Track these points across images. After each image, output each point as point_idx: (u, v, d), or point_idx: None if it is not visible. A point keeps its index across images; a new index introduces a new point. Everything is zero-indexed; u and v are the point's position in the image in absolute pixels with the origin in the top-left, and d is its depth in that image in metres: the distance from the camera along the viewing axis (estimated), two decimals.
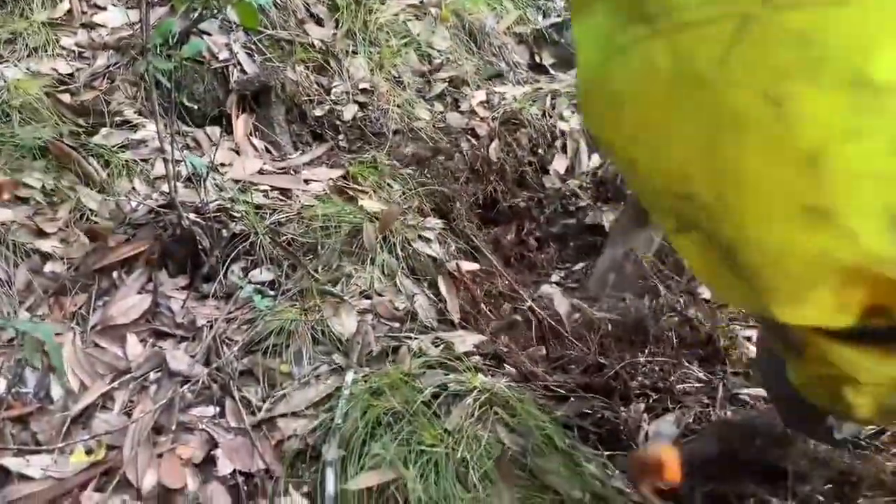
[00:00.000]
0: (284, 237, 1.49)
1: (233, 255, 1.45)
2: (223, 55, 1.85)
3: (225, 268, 1.43)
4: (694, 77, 0.45)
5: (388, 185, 1.74)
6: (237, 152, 1.76)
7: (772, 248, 0.48)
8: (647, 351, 1.32)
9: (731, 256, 0.51)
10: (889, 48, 0.41)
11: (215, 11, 1.76)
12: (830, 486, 1.09)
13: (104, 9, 1.95)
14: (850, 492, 1.06)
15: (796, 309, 0.52)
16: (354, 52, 2.01)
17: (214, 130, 1.78)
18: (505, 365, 1.30)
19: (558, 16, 2.38)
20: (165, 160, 1.38)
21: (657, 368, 1.28)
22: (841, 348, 0.57)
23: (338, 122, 1.89)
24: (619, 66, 0.50)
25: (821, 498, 1.04)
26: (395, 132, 1.92)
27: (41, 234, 1.45)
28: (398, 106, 1.96)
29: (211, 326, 1.33)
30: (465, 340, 1.33)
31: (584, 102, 0.57)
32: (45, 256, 1.42)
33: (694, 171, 0.48)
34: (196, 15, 1.78)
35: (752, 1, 0.43)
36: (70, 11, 1.94)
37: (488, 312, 1.47)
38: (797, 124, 0.43)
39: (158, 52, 1.73)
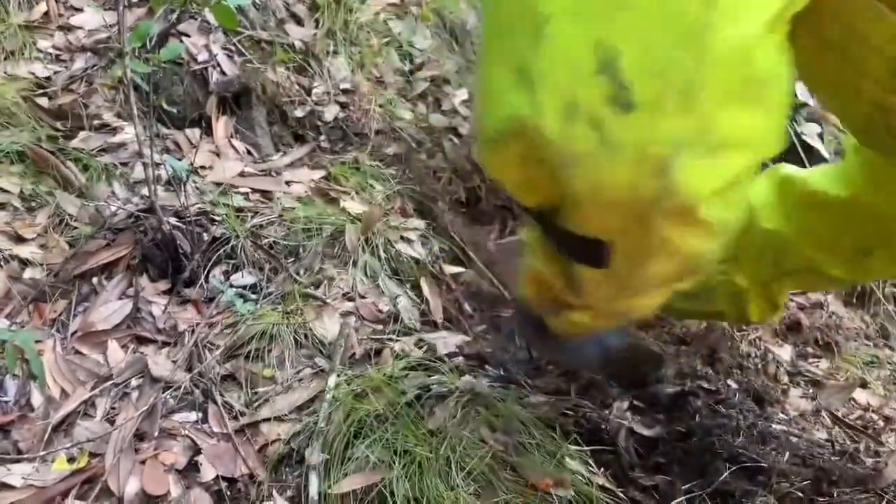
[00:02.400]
0: (266, 240, 1.48)
1: (214, 258, 1.44)
2: (202, 57, 1.84)
3: (206, 272, 1.42)
4: None
5: (371, 185, 1.74)
6: (218, 155, 1.75)
7: (490, 88, 0.57)
8: None
9: (476, 86, 0.62)
10: None
11: (193, 12, 1.75)
12: (809, 482, 1.10)
13: (81, 10, 1.93)
14: (829, 488, 1.07)
15: (497, 162, 0.61)
16: (335, 52, 2.00)
17: (195, 133, 1.77)
18: (487, 366, 1.30)
19: None
20: (144, 164, 1.37)
21: None
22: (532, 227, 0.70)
23: (319, 123, 1.88)
24: None
25: (800, 494, 1.06)
26: (377, 132, 1.91)
27: (20, 239, 1.44)
28: (380, 106, 1.95)
29: (192, 331, 1.32)
30: (447, 341, 1.34)
31: None
32: (24, 262, 1.40)
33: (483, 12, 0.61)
34: (175, 17, 1.77)
35: None
36: (47, 13, 1.92)
37: (471, 313, 1.48)
38: None
39: (137, 54, 1.71)
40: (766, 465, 1.12)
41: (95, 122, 1.69)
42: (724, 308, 1.30)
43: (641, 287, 0.66)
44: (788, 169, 1.19)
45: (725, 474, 1.10)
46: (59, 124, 1.67)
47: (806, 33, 0.58)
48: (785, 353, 1.55)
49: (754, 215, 1.20)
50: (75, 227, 1.47)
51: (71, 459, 1.13)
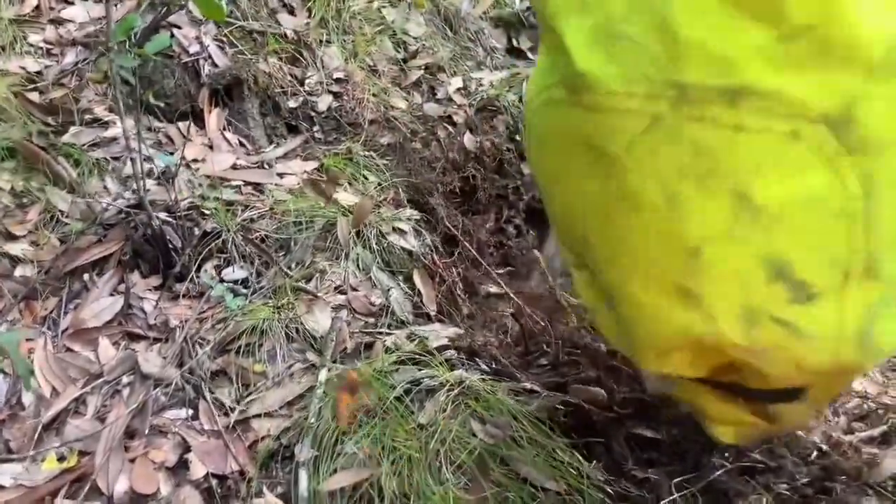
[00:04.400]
0: (257, 234, 1.47)
1: (205, 253, 1.43)
2: (193, 48, 1.82)
3: (197, 267, 1.42)
4: (604, 153, 0.52)
5: (364, 176, 1.72)
6: (210, 147, 1.74)
7: (646, 311, 0.57)
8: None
9: (612, 302, 0.60)
10: (768, 177, 0.49)
11: (181, 5, 1.73)
12: (809, 481, 1.08)
13: (72, 3, 1.91)
14: (829, 486, 1.06)
15: (659, 365, 0.62)
16: (328, 42, 1.98)
17: (186, 126, 1.75)
18: (477, 360, 1.29)
19: None
20: (133, 159, 1.36)
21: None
22: (696, 386, 0.70)
23: (312, 114, 1.87)
24: (546, 115, 0.57)
25: (798, 495, 1.04)
26: (371, 122, 1.89)
27: (10, 237, 1.43)
28: (374, 95, 1.93)
29: (183, 327, 1.32)
30: (439, 334, 1.33)
31: (526, 123, 0.62)
32: (15, 260, 1.40)
33: (591, 229, 0.57)
34: (164, 9, 1.75)
35: (665, 104, 0.49)
36: (38, 7, 1.91)
37: (465, 305, 1.46)
38: (685, 220, 0.52)
39: (127, 48, 1.70)
40: (763, 462, 1.10)
41: (87, 116, 1.68)
42: None
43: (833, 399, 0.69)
44: None
45: (720, 471, 1.08)
46: (50, 119, 1.66)
47: None
48: None
49: None
50: (66, 224, 1.46)
51: (61, 458, 1.13)
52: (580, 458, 1.12)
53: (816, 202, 0.49)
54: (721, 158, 0.49)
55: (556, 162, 0.57)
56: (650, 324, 0.58)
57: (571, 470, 1.11)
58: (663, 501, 1.02)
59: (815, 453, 1.11)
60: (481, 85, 2.01)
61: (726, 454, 1.10)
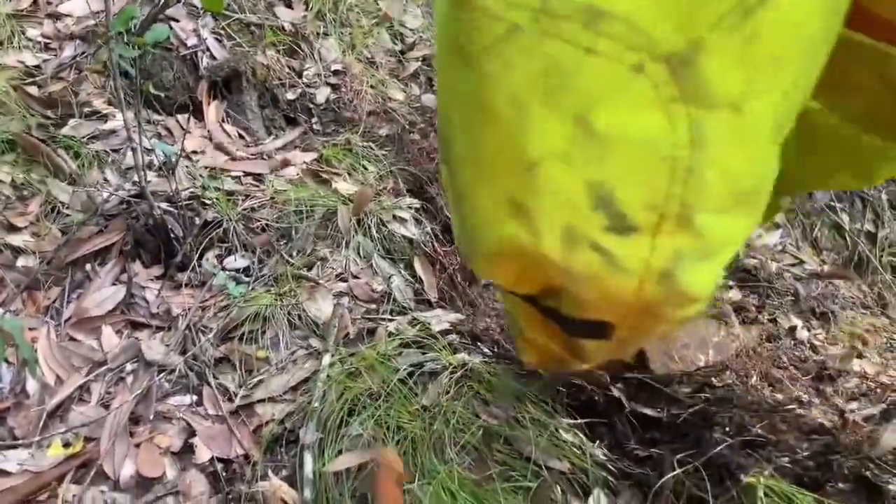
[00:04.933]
0: (258, 223, 1.48)
1: (206, 242, 1.44)
2: (191, 41, 1.83)
3: (199, 256, 1.42)
4: (468, 55, 0.52)
5: (363, 166, 1.73)
6: (209, 139, 1.74)
7: (481, 215, 0.59)
8: None
9: (459, 204, 0.61)
10: (609, 107, 0.49)
11: None
12: (810, 454, 1.09)
13: None
14: (830, 459, 1.07)
15: (490, 270, 0.64)
16: (325, 34, 1.99)
17: (186, 118, 1.76)
18: (479, 344, 1.30)
19: None
20: (133, 149, 1.36)
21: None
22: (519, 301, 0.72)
23: (311, 106, 1.87)
24: (437, 15, 0.58)
25: (800, 468, 1.05)
26: (370, 113, 1.90)
27: (12, 228, 1.44)
28: (371, 87, 1.94)
29: (186, 315, 1.32)
30: (441, 319, 1.33)
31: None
32: (17, 251, 1.40)
33: (453, 127, 0.58)
34: (162, 1, 1.76)
35: (526, 14, 0.48)
36: (35, 2, 1.91)
37: (466, 292, 1.47)
38: (527, 134, 0.52)
39: (126, 40, 1.70)
40: (765, 437, 1.11)
41: (86, 109, 1.69)
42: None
43: (638, 344, 0.69)
44: None
45: (722, 446, 1.09)
46: (49, 112, 1.67)
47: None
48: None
49: None
50: (67, 215, 1.47)
51: (66, 444, 1.14)
52: (583, 437, 1.13)
53: (648, 142, 0.50)
54: (569, 79, 0.49)
55: (440, 61, 0.58)
56: (483, 229, 0.59)
57: (574, 449, 1.12)
58: (666, 477, 1.02)
59: (816, 428, 1.13)
60: None
61: (727, 429, 1.11)
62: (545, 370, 0.97)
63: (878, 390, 1.33)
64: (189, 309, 1.33)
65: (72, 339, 1.31)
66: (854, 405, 1.33)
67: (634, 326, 0.64)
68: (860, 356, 1.44)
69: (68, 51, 1.81)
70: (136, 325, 1.34)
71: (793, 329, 1.52)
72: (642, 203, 0.52)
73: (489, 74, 0.51)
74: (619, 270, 0.55)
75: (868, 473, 1.01)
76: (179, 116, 1.77)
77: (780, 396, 1.35)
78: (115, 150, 1.62)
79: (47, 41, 1.83)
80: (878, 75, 0.77)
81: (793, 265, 1.70)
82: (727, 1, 0.45)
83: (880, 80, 0.77)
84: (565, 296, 0.63)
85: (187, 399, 1.22)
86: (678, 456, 1.05)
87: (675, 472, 1.04)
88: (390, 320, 1.34)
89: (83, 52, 1.80)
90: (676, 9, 0.46)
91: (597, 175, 0.51)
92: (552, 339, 0.78)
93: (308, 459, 1.10)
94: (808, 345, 1.51)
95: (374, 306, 1.38)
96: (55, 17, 1.88)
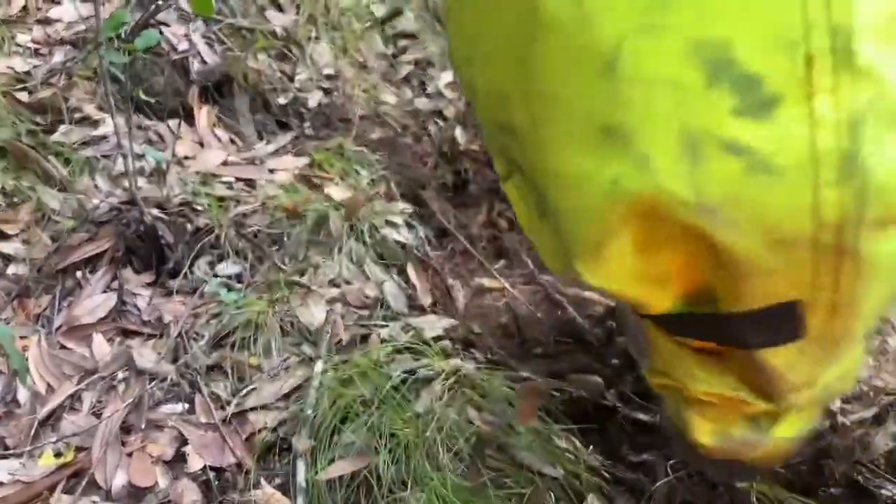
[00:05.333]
0: (250, 229, 1.47)
1: (198, 249, 1.43)
2: (182, 46, 1.82)
3: (190, 262, 1.41)
4: None
5: (356, 171, 1.72)
6: (201, 144, 1.74)
7: (569, 182, 0.44)
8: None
9: (543, 201, 0.48)
10: None
11: (171, 1, 1.73)
12: (801, 459, 1.09)
13: (59, 3, 1.91)
14: (823, 463, 1.07)
15: (598, 264, 0.47)
16: (317, 38, 1.99)
17: (176, 123, 1.75)
18: (473, 350, 1.30)
19: None
20: (124, 156, 1.36)
21: None
22: (675, 347, 0.54)
23: (303, 110, 1.87)
24: None
25: (794, 472, 1.05)
26: (362, 117, 1.90)
27: (2, 236, 1.43)
28: (364, 91, 1.94)
29: (178, 322, 1.32)
30: (434, 325, 1.33)
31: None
32: (7, 258, 1.40)
33: (510, 89, 0.46)
34: (154, 6, 1.75)
35: None
36: (25, 7, 1.90)
37: (459, 297, 1.47)
38: (595, 20, 0.40)
39: (116, 46, 1.70)
40: None
41: (76, 115, 1.68)
42: None
43: (847, 342, 0.50)
44: None
45: None
46: (39, 118, 1.66)
47: None
48: None
49: None
50: (58, 222, 1.46)
51: (58, 454, 1.13)
52: (576, 443, 1.13)
53: None
54: None
55: (472, 17, 0.48)
56: (576, 198, 0.44)
57: (568, 455, 1.12)
58: (659, 483, 1.03)
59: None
60: None
61: None
62: (723, 461, 0.74)
63: (871, 393, 1.33)
64: (181, 316, 1.32)
65: (63, 347, 1.30)
66: (848, 406, 1.33)
67: (833, 298, 0.43)
68: None
69: (58, 56, 1.80)
70: (127, 333, 1.33)
71: None
72: (775, 49, 0.36)
73: None
74: (774, 175, 0.37)
75: (860, 478, 1.01)
76: (170, 122, 1.76)
77: None
78: (105, 157, 1.61)
79: (37, 47, 1.82)
80: None
81: None
82: None
83: None
84: (720, 281, 0.46)
85: (179, 407, 1.22)
86: (671, 461, 1.05)
87: (668, 478, 1.04)
88: (383, 326, 1.33)
89: (73, 58, 1.79)
90: None
91: (697, 31, 0.37)
92: (724, 376, 0.57)
93: (301, 467, 1.10)
94: None
95: (366, 312, 1.38)
96: (45, 22, 1.87)
